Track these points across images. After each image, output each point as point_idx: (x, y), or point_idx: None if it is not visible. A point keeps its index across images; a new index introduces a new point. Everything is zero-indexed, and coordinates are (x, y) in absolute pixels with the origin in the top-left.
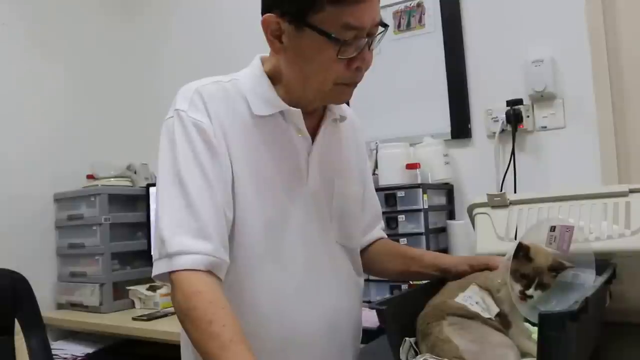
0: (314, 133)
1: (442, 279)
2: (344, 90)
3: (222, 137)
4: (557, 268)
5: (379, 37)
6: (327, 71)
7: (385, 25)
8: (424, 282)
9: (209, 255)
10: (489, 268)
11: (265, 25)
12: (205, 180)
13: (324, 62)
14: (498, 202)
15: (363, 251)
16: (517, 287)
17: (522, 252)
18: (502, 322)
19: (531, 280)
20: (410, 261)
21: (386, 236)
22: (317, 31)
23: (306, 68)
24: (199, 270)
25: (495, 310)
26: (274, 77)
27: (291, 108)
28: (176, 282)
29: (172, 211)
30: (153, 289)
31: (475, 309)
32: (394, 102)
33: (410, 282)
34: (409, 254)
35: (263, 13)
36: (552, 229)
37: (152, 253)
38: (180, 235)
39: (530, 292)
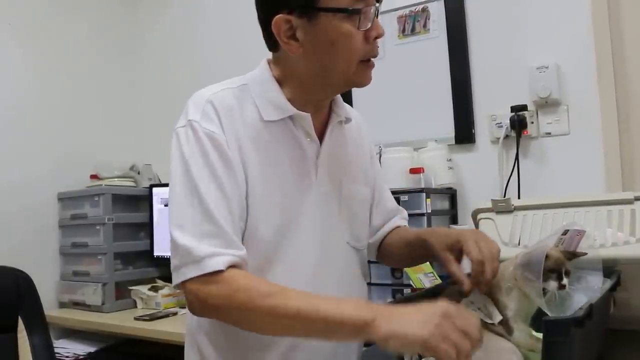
0: (320, 136)
1: (442, 282)
2: (366, 70)
3: (236, 146)
4: (571, 257)
5: (379, 7)
6: (351, 49)
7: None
8: (427, 286)
9: (238, 257)
10: (459, 243)
11: (276, 28)
12: (221, 192)
13: (346, 41)
14: (502, 207)
15: (380, 244)
16: (553, 283)
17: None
18: (505, 329)
19: (560, 272)
20: (410, 248)
21: (403, 224)
22: (332, 10)
23: (328, 56)
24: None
25: (498, 317)
26: (282, 80)
27: (300, 112)
28: (213, 280)
29: (195, 225)
30: (155, 289)
31: (478, 314)
32: (398, 107)
33: (413, 287)
34: (410, 241)
35: (266, 18)
36: (565, 232)
37: (170, 263)
38: (208, 243)
39: (564, 281)
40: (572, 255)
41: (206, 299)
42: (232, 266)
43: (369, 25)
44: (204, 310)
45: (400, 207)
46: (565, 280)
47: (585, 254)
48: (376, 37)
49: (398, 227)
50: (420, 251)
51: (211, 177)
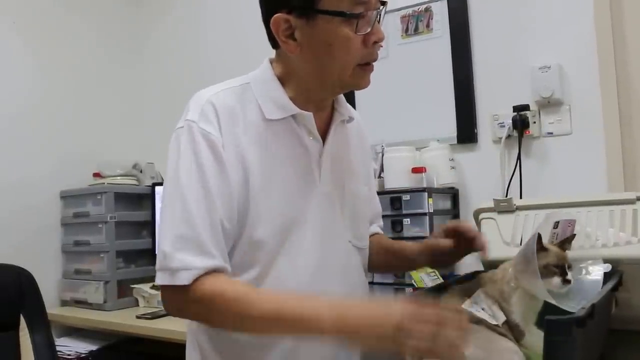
0: (323, 135)
1: (445, 282)
2: (364, 73)
3: (235, 147)
4: (568, 247)
5: (383, 11)
6: (348, 53)
7: (384, 2)
8: (429, 285)
9: (208, 268)
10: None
11: (275, 26)
12: (206, 195)
13: (344, 44)
14: (504, 207)
15: None
16: (557, 279)
17: (539, 244)
18: (514, 332)
19: (563, 267)
20: (391, 256)
21: (381, 232)
22: (331, 14)
23: (325, 58)
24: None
25: (502, 318)
26: (284, 79)
27: (303, 111)
28: (185, 292)
29: (174, 225)
30: (157, 287)
31: (482, 315)
32: (400, 106)
33: (415, 286)
34: (391, 248)
35: (268, 16)
36: (555, 225)
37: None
38: (182, 251)
39: (569, 276)
40: (567, 243)
41: (178, 308)
42: (203, 275)
43: (368, 29)
44: (175, 314)
45: (380, 212)
46: (569, 275)
47: (574, 235)
48: (375, 42)
49: (377, 233)
50: (400, 261)
51: (199, 178)
